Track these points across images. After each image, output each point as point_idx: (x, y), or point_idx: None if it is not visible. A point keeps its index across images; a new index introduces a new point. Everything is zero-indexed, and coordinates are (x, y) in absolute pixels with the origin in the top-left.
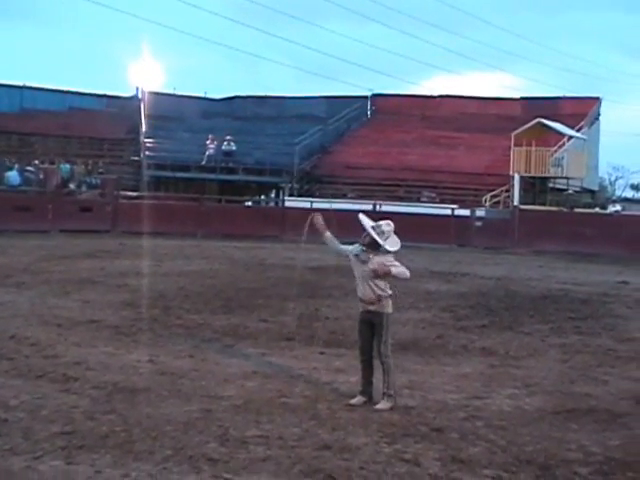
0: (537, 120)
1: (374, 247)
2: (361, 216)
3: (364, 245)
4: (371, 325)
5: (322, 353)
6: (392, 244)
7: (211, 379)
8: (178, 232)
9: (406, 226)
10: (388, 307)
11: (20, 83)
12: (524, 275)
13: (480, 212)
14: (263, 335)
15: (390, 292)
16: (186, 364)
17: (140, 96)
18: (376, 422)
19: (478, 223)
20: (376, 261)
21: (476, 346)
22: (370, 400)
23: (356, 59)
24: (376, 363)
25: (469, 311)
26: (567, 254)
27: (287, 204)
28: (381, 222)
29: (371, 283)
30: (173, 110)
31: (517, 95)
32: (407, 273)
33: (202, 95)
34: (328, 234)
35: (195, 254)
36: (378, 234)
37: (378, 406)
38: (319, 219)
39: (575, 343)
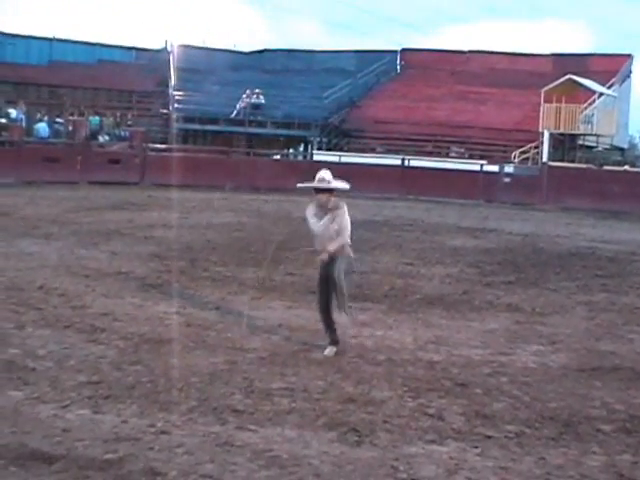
0: (567, 76)
1: (329, 198)
2: (299, 185)
3: (321, 205)
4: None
5: (348, 307)
6: (342, 183)
7: (237, 331)
8: (206, 185)
9: (434, 181)
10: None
11: (50, 35)
12: (552, 232)
13: (509, 168)
14: (289, 288)
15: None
16: (212, 316)
17: (169, 49)
18: (400, 376)
19: (506, 179)
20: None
21: (502, 302)
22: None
23: (385, 12)
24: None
25: (496, 267)
26: (595, 211)
27: (315, 158)
28: (320, 174)
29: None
30: (202, 63)
31: (547, 51)
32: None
33: (231, 48)
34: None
35: (223, 207)
36: (327, 184)
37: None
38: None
39: (601, 301)
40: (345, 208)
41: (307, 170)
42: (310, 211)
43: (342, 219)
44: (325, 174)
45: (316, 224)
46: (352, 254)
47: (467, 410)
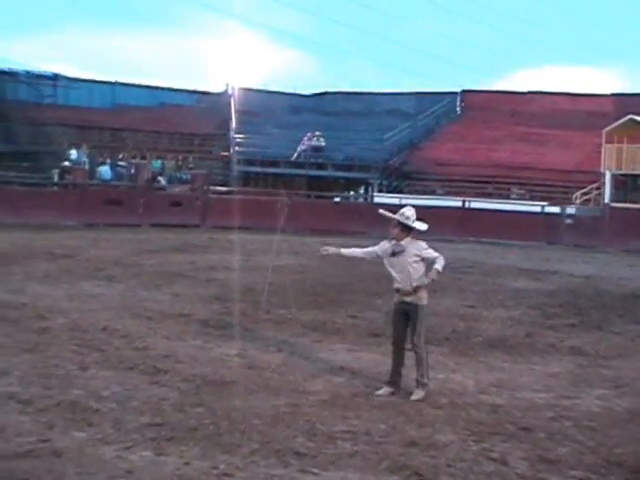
0: (629, 117)
1: (404, 234)
2: (382, 210)
3: (394, 238)
4: (406, 316)
5: (409, 350)
6: (421, 225)
7: (299, 374)
8: (267, 227)
9: (495, 223)
10: (424, 298)
11: (112, 79)
12: (614, 274)
13: (570, 210)
14: (351, 331)
15: (427, 282)
16: (274, 358)
17: (230, 92)
18: (463, 419)
19: (568, 221)
20: (412, 250)
21: (565, 345)
22: (397, 391)
23: (444, 55)
24: (409, 355)
25: (558, 309)
26: None
27: (376, 200)
28: (403, 209)
29: (410, 272)
30: (263, 106)
31: (608, 91)
32: (442, 259)
33: (292, 91)
34: (343, 250)
35: (284, 249)
36: (405, 219)
37: (413, 397)
38: (326, 249)
39: None
40: (424, 244)
41: (367, 212)
42: (385, 247)
43: (427, 251)
44: (408, 211)
45: (393, 261)
46: (427, 300)
47: (531, 455)
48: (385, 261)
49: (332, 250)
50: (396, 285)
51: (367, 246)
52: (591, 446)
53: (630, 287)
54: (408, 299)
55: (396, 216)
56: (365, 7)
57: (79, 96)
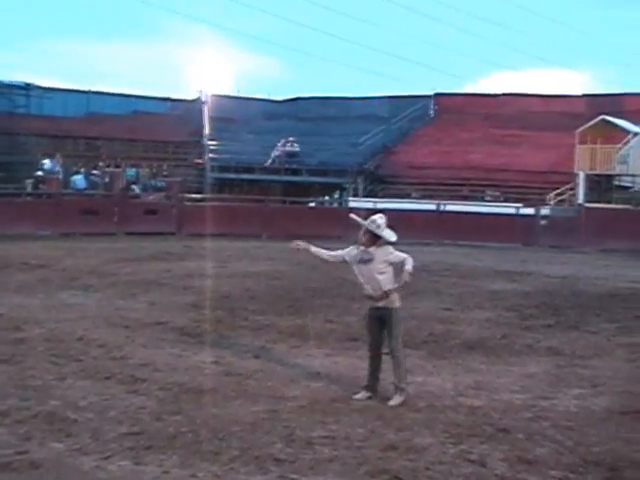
0: (601, 117)
1: (373, 242)
2: (353, 215)
3: (362, 244)
4: (381, 321)
5: (387, 353)
6: (390, 235)
7: (277, 380)
8: (243, 234)
9: (471, 226)
10: (396, 301)
11: (86, 88)
12: (590, 274)
13: (545, 211)
14: (328, 336)
15: (397, 285)
16: (252, 365)
17: (203, 99)
18: (442, 422)
19: (543, 222)
20: (380, 257)
21: (542, 346)
22: (374, 395)
23: (418, 58)
24: (385, 359)
25: (534, 310)
26: (634, 253)
27: (351, 204)
28: (374, 216)
29: (379, 279)
30: (236, 112)
31: (579, 92)
32: (410, 259)
33: (265, 97)
34: (313, 249)
35: (260, 255)
36: (375, 228)
37: (391, 402)
38: (297, 244)
39: None
40: (391, 248)
41: (343, 217)
42: (353, 252)
43: (394, 255)
44: (380, 219)
45: (360, 267)
46: (399, 302)
47: (509, 456)
48: (354, 268)
49: (303, 245)
50: (366, 292)
51: (337, 249)
52: (569, 446)
53: (606, 287)
54: (381, 304)
55: (366, 223)
56: (336, 12)
57: (52, 105)
